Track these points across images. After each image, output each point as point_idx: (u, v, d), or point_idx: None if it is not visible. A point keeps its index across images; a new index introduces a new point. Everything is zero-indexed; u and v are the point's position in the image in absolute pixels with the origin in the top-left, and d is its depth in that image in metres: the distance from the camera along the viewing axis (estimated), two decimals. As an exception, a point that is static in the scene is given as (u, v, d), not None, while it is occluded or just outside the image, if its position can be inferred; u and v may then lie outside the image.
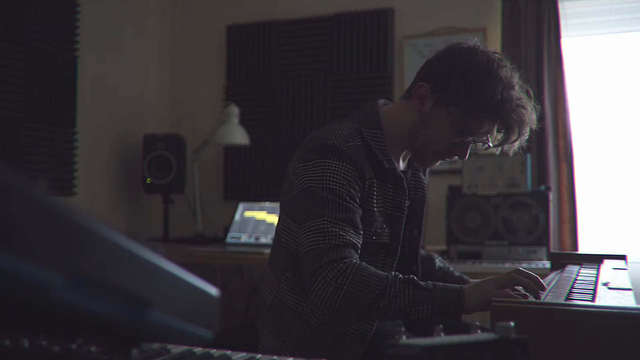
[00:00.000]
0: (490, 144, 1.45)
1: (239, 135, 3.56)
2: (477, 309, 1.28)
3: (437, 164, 1.51)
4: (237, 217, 3.22)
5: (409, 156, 1.56)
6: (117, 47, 3.77)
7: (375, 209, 1.42)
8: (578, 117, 3.37)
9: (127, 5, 3.86)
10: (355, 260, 1.30)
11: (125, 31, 3.84)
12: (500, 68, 1.37)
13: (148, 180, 3.55)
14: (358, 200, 1.37)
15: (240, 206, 3.27)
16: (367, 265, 1.31)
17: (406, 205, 1.49)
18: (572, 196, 3.25)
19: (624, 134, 3.36)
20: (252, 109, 3.89)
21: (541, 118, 3.25)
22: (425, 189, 1.62)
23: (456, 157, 1.47)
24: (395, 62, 3.67)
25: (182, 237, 3.65)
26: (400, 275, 1.29)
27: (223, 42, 4.07)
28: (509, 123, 1.37)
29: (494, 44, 3.49)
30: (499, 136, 1.43)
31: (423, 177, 1.63)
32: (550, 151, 3.28)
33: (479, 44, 1.43)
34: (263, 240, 3.07)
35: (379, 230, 1.43)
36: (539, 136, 3.30)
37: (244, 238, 3.13)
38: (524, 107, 1.38)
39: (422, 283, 1.28)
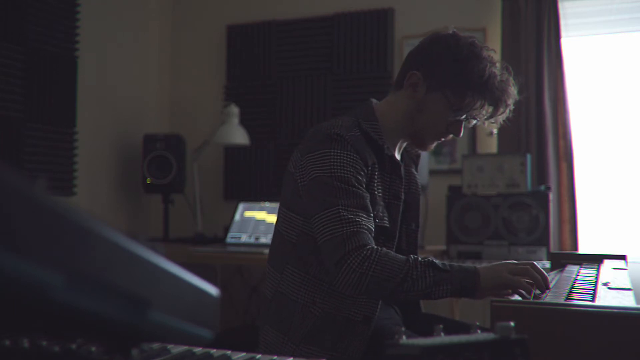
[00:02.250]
0: (479, 120, 1.54)
1: (239, 135, 3.56)
2: (489, 291, 1.35)
3: (434, 145, 1.59)
4: (237, 217, 3.22)
5: (402, 149, 1.63)
6: (117, 47, 3.77)
7: (376, 194, 1.48)
8: (578, 117, 3.37)
9: (127, 5, 3.86)
10: (376, 247, 1.36)
11: (125, 31, 3.84)
12: (482, 49, 1.49)
13: (148, 180, 3.55)
14: (364, 186, 1.43)
15: (240, 206, 3.27)
16: (387, 250, 1.37)
17: (402, 196, 1.55)
18: (572, 196, 3.25)
19: (624, 134, 3.36)
20: (252, 109, 3.89)
21: (541, 118, 3.27)
22: (419, 183, 1.68)
23: (451, 135, 1.55)
24: (395, 62, 3.67)
25: (182, 237, 3.65)
26: (419, 258, 1.35)
27: (223, 42, 4.07)
28: (497, 97, 1.48)
29: (494, 44, 3.49)
30: (489, 110, 1.52)
31: (415, 172, 1.69)
32: (550, 151, 3.28)
33: (455, 30, 1.54)
34: (263, 240, 3.07)
35: (380, 214, 1.48)
36: (539, 136, 3.30)
37: (244, 238, 3.13)
38: (507, 81, 1.49)
39: (440, 265, 1.35)
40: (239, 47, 4.01)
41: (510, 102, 1.50)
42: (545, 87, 3.28)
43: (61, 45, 3.33)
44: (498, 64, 1.50)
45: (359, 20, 3.73)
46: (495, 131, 3.43)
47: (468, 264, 1.40)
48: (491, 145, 3.47)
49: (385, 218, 1.49)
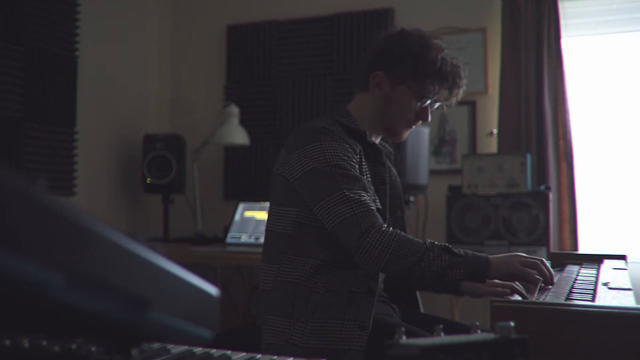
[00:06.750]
0: (441, 102, 1.66)
1: (239, 135, 3.56)
2: (500, 278, 1.48)
3: (407, 135, 1.71)
4: (237, 217, 3.22)
5: (378, 141, 1.72)
6: (117, 48, 3.76)
7: (366, 178, 1.56)
8: (578, 117, 3.37)
9: (127, 5, 3.86)
10: (391, 228, 1.45)
11: (125, 31, 3.84)
12: (430, 39, 1.63)
13: (148, 180, 3.55)
14: (358, 171, 1.52)
15: (240, 206, 3.27)
16: (403, 233, 1.44)
17: (387, 182, 1.64)
18: (572, 196, 3.24)
19: (624, 134, 3.36)
20: (252, 109, 3.89)
21: (541, 118, 3.27)
22: (396, 174, 1.79)
23: (420, 122, 1.67)
24: (395, 62, 3.66)
25: (182, 237, 3.65)
26: (436, 242, 1.44)
27: (223, 42, 4.07)
28: (452, 80, 1.61)
29: (494, 44, 3.49)
30: (446, 93, 1.65)
31: (390, 165, 1.79)
32: (550, 151, 3.28)
33: (402, 27, 1.68)
34: (263, 240, 3.07)
35: (373, 197, 1.55)
36: (539, 136, 3.30)
37: (244, 238, 3.13)
38: (457, 64, 1.63)
39: (455, 250, 1.43)
40: (239, 47, 4.01)
41: (463, 82, 1.64)
42: (545, 87, 3.27)
43: (61, 45, 3.32)
44: (446, 50, 1.64)
45: (358, 20, 3.73)
46: (495, 131, 3.43)
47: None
48: (491, 145, 3.47)
49: (377, 200, 1.57)
